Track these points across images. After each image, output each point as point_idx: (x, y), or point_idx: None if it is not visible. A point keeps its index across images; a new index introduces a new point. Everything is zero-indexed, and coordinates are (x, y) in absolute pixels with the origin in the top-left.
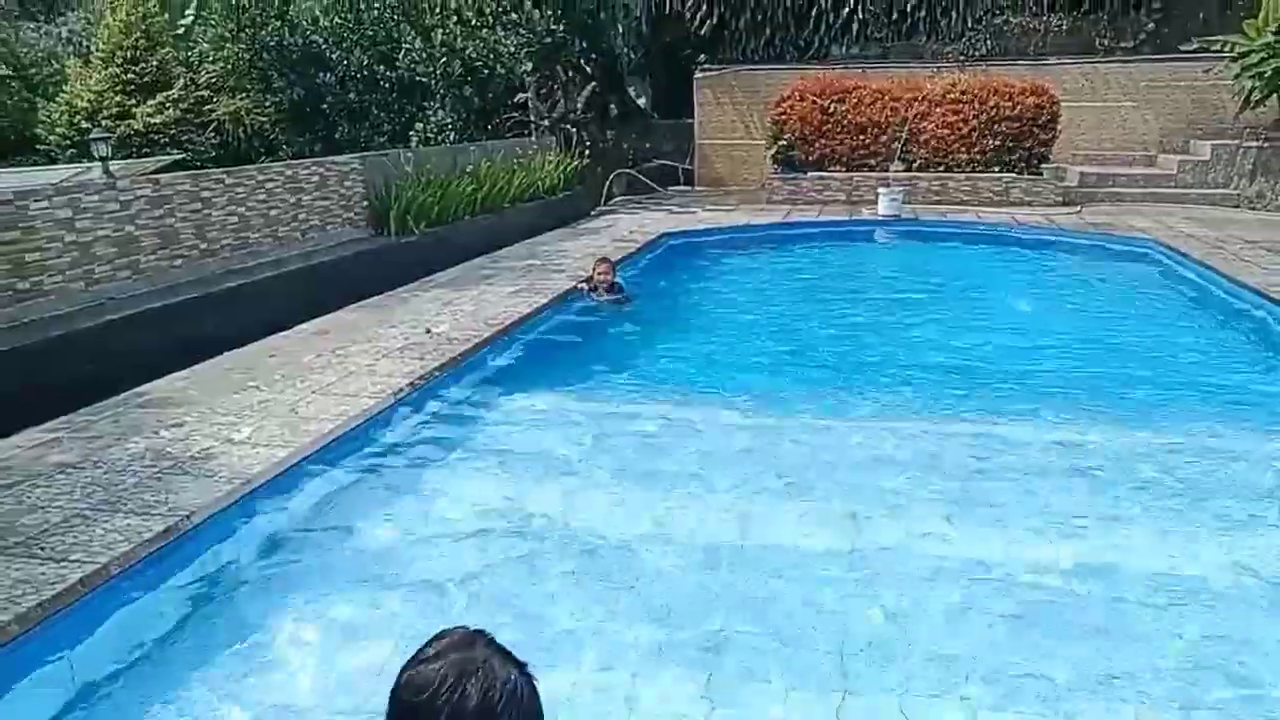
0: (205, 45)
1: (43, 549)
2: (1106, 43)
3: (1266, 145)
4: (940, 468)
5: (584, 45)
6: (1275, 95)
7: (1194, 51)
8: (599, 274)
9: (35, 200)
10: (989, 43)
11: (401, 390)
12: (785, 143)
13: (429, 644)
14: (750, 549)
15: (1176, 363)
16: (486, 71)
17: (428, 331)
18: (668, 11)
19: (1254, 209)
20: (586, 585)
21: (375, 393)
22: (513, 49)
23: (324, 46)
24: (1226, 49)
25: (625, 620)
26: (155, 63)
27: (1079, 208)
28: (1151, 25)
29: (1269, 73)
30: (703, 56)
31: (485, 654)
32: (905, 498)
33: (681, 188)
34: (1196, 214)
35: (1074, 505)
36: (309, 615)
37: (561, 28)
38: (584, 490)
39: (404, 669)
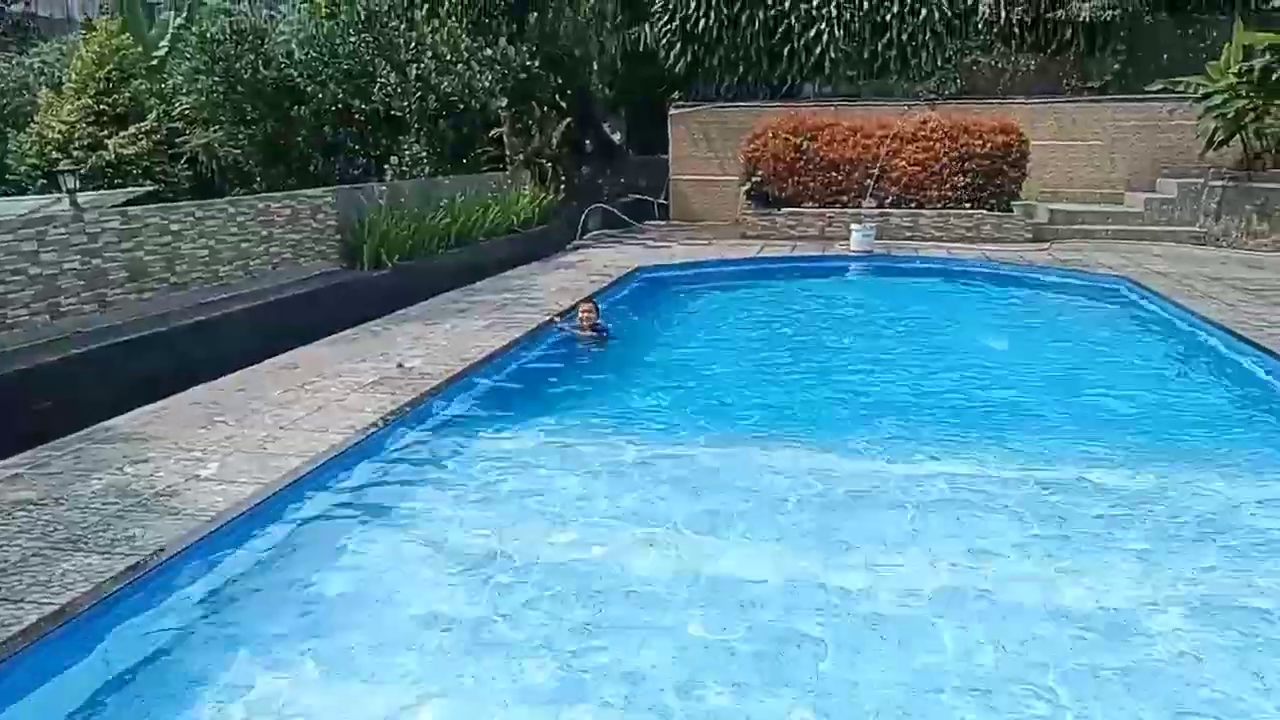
0: (179, 77)
1: None
2: (1074, 83)
3: (1231, 184)
4: (906, 501)
5: (559, 81)
6: (1238, 135)
7: (1158, 92)
8: (583, 314)
9: (0, 232)
10: (959, 82)
11: (372, 425)
12: (758, 179)
13: None
14: (714, 581)
15: (1142, 398)
16: (462, 106)
17: (400, 366)
18: (641, 49)
19: (1219, 246)
20: (561, 623)
21: (345, 428)
22: (488, 84)
23: (298, 80)
24: (1190, 90)
25: (602, 660)
26: (128, 94)
27: (1048, 245)
28: (1117, 66)
29: (1231, 113)
30: (677, 93)
31: None
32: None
33: (656, 222)
34: (1164, 251)
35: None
36: (278, 658)
37: (537, 64)
38: (556, 527)
39: None
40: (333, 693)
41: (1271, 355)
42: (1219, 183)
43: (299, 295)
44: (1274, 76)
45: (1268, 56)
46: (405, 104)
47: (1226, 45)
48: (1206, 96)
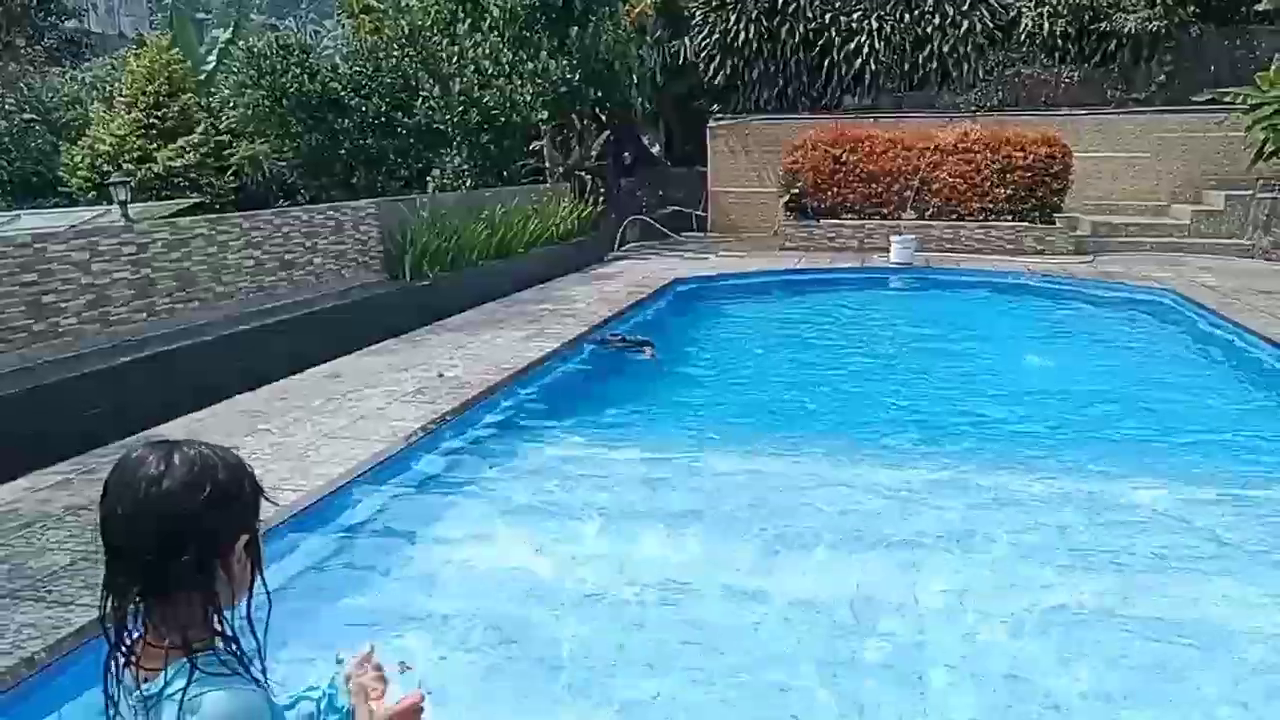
0: (226, 91)
1: (49, 592)
2: (1118, 94)
3: (1279, 196)
4: (943, 512)
5: (599, 94)
6: None
7: (1206, 103)
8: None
9: (53, 243)
10: (1001, 93)
11: (413, 434)
12: (798, 191)
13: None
14: (760, 593)
15: (1191, 413)
16: (503, 120)
17: (440, 375)
18: (681, 62)
19: (1269, 259)
20: (602, 632)
21: (386, 436)
22: (529, 98)
23: (343, 93)
24: (1238, 101)
25: (640, 670)
26: (177, 108)
27: (1092, 257)
28: (1163, 77)
29: None
30: (716, 106)
31: (199, 444)
32: (909, 543)
33: (694, 234)
34: (1210, 264)
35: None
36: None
37: (577, 77)
38: (597, 534)
39: None
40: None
41: None
42: (1268, 194)
43: (341, 305)
44: None
45: None
46: (447, 117)
47: (1276, 55)
48: (1256, 107)
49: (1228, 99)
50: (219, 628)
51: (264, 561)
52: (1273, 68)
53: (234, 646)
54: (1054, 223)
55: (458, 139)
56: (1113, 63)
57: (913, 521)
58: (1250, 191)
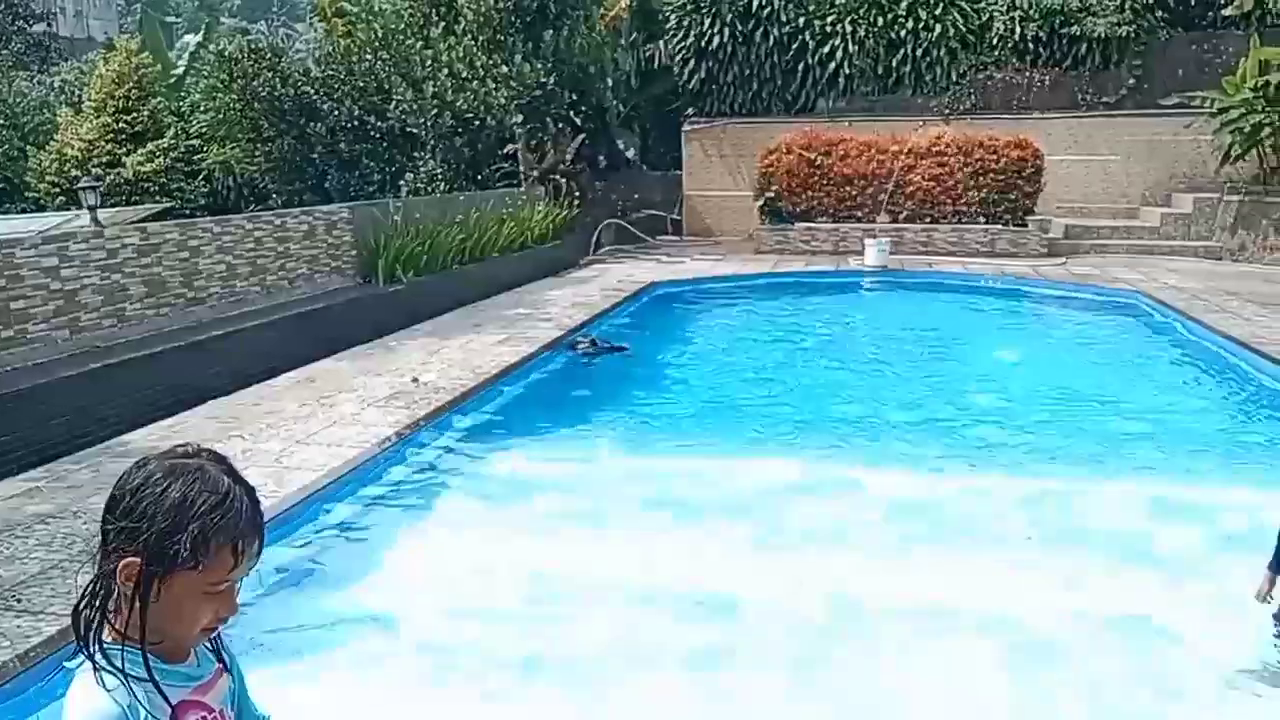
0: (197, 95)
1: (19, 600)
2: (1089, 98)
3: (1247, 199)
4: (922, 515)
5: (573, 98)
6: (1254, 150)
7: (1174, 106)
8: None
9: (21, 248)
10: (974, 97)
11: (387, 440)
12: (773, 194)
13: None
14: (734, 597)
15: (1157, 413)
16: (477, 123)
17: (414, 380)
18: (656, 65)
19: (1235, 261)
20: (573, 634)
21: (360, 442)
22: (503, 101)
23: (315, 97)
24: (1206, 104)
25: (613, 670)
26: (147, 112)
27: (1064, 259)
28: (1132, 81)
29: (1248, 128)
30: (691, 109)
31: (200, 462)
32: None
33: (670, 238)
34: (1179, 266)
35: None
36: (302, 664)
37: (551, 81)
38: (570, 538)
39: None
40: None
41: None
42: (1235, 197)
43: (314, 310)
44: None
45: None
46: (421, 120)
47: (1242, 60)
48: (1223, 111)
49: (1195, 103)
50: (117, 626)
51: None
52: (1239, 72)
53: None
54: (1026, 225)
55: (431, 142)
56: (1083, 66)
57: (892, 522)
58: (1218, 194)
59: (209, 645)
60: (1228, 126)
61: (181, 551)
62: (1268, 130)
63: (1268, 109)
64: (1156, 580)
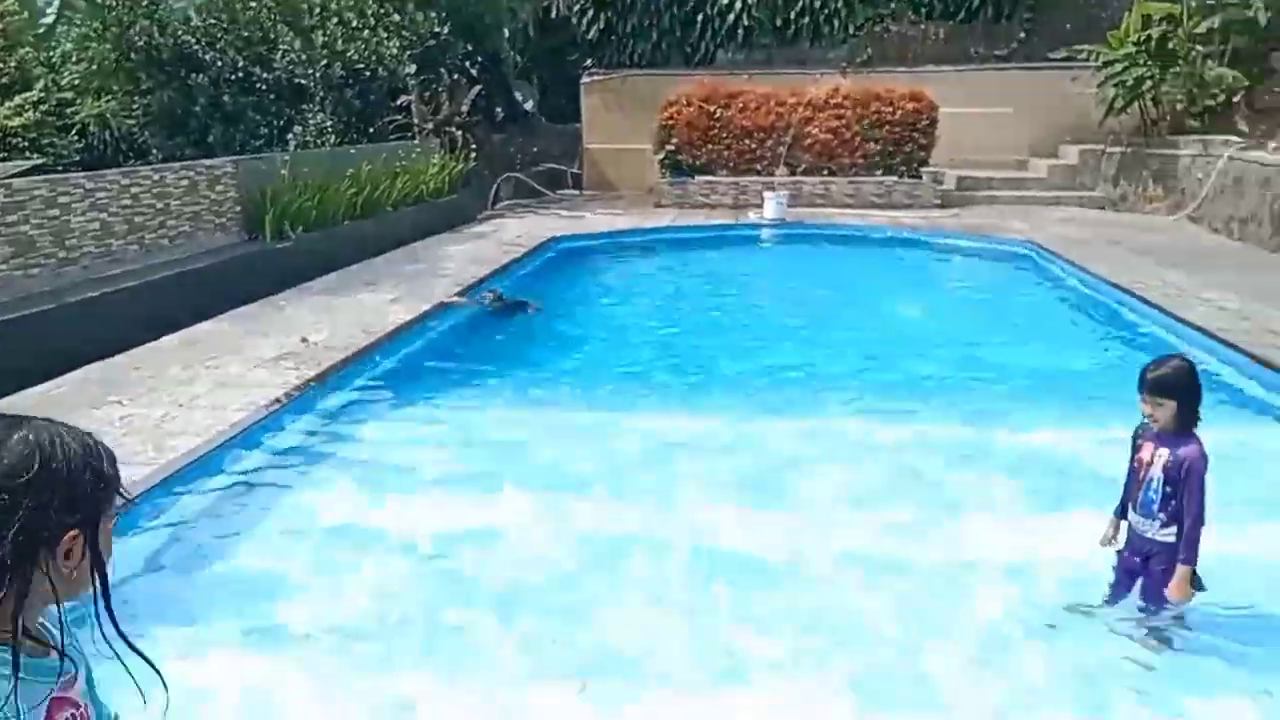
0: (68, 45)
1: None
2: (981, 51)
3: (1129, 150)
4: (817, 465)
5: (469, 48)
6: (1136, 102)
7: (1062, 60)
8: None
9: None
10: (870, 50)
11: (276, 402)
12: (672, 147)
13: None
14: (617, 548)
15: (1038, 358)
16: (368, 74)
17: (304, 340)
18: (554, 15)
19: (1118, 210)
20: (470, 598)
21: (246, 404)
22: (395, 51)
23: (196, 47)
24: (1091, 58)
25: (506, 632)
26: (14, 63)
27: (957, 210)
28: (1023, 34)
29: (1130, 81)
30: (589, 60)
31: (49, 425)
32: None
33: (570, 191)
34: (1066, 215)
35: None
36: (184, 634)
37: (446, 30)
38: (463, 500)
39: None
40: (245, 672)
41: (1165, 313)
42: (1118, 149)
43: (198, 269)
44: (1170, 45)
45: (1164, 26)
46: (309, 72)
47: (1126, 14)
48: (1107, 65)
49: (1082, 56)
50: (25, 627)
51: (108, 560)
52: (1123, 26)
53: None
54: (921, 177)
55: (321, 94)
56: (976, 19)
57: (794, 471)
58: (1102, 146)
59: (53, 642)
60: (1111, 80)
61: (107, 497)
62: (1149, 84)
63: (1149, 62)
64: (1025, 524)
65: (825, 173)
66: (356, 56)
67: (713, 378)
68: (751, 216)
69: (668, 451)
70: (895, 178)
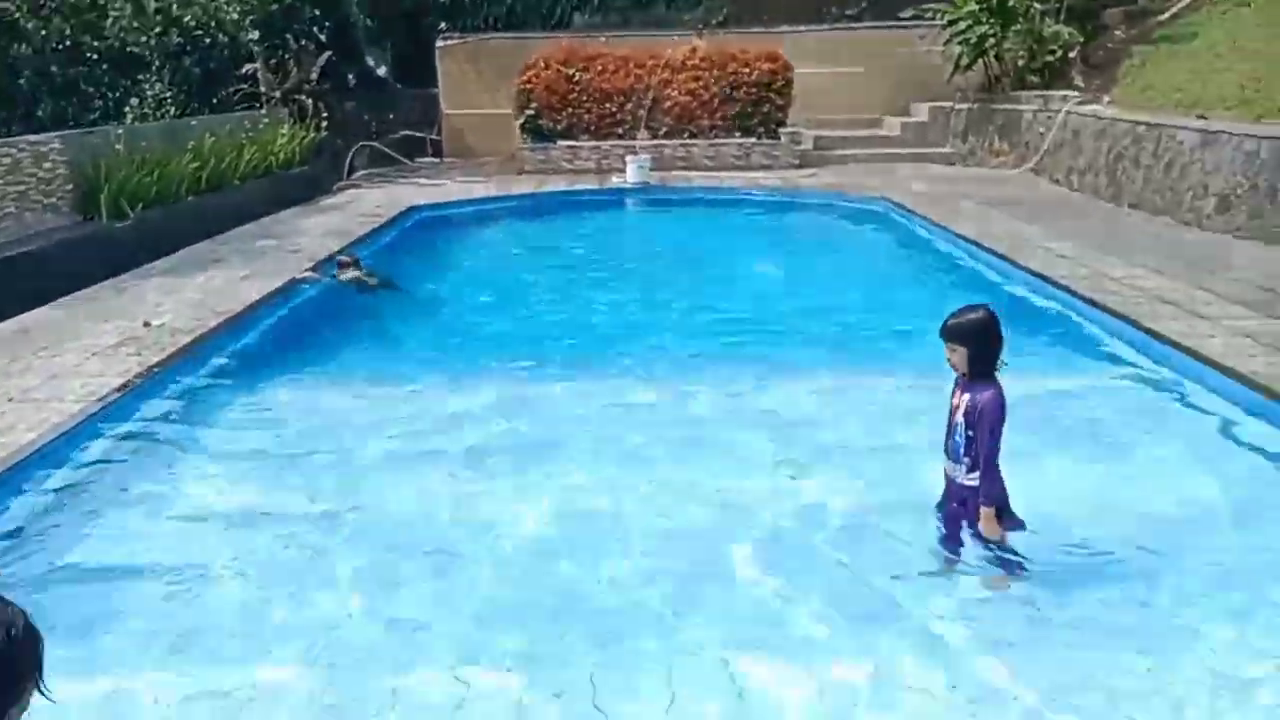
0: None
1: None
2: (833, 11)
3: (975, 106)
4: (678, 423)
5: (315, 12)
6: (981, 60)
7: (909, 19)
8: (341, 276)
9: None
10: (725, 10)
11: (114, 391)
12: (532, 112)
13: None
14: (491, 522)
15: (886, 312)
16: (208, 40)
17: (146, 325)
18: None
19: (966, 165)
20: (328, 584)
21: (84, 395)
22: (236, 16)
23: (18, 15)
24: (937, 17)
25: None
26: None
27: (815, 170)
28: None
29: (974, 39)
30: (444, 24)
31: None
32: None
33: (429, 159)
34: (918, 172)
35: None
36: None
37: None
38: (317, 482)
39: None
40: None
41: (1010, 262)
42: (965, 105)
43: (25, 253)
44: (1010, 3)
45: None
46: (144, 40)
47: None
48: (952, 23)
49: (928, 15)
50: None
51: None
52: None
53: None
54: (779, 138)
55: (157, 64)
56: None
57: (654, 430)
58: (950, 103)
59: None
60: (956, 38)
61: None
62: (991, 41)
63: (991, 20)
64: (864, 476)
65: (686, 135)
66: (194, 22)
67: (574, 344)
68: (615, 181)
69: (525, 421)
70: (754, 139)
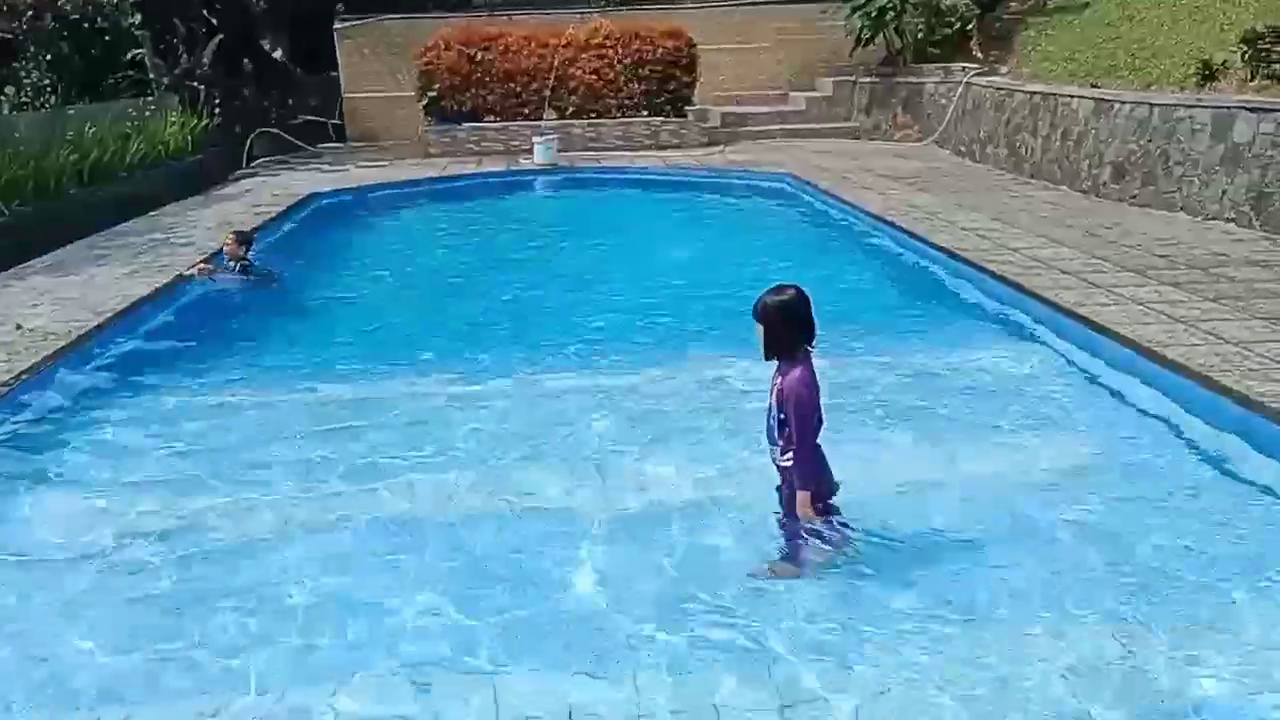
0: None
1: None
2: None
3: (878, 81)
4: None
5: None
6: (882, 33)
7: None
8: (226, 248)
9: None
10: None
11: None
12: (435, 93)
13: None
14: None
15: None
16: (86, 25)
17: (18, 327)
18: None
19: (871, 139)
20: (211, 597)
21: None
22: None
23: None
24: None
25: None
26: None
27: (723, 147)
28: None
29: (874, 13)
30: (341, 6)
31: None
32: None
33: (332, 145)
34: (824, 147)
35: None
36: None
37: None
38: (205, 491)
39: None
40: None
41: (910, 235)
42: (868, 79)
43: None
44: None
45: None
46: (14, 25)
47: None
48: None
49: None
50: None
51: None
52: None
53: None
54: (686, 116)
55: (32, 50)
56: None
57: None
58: (853, 78)
59: None
60: (857, 12)
61: None
62: (891, 14)
63: None
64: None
65: (593, 115)
66: (69, 6)
67: (478, 334)
68: (523, 163)
69: (427, 416)
70: (661, 118)
